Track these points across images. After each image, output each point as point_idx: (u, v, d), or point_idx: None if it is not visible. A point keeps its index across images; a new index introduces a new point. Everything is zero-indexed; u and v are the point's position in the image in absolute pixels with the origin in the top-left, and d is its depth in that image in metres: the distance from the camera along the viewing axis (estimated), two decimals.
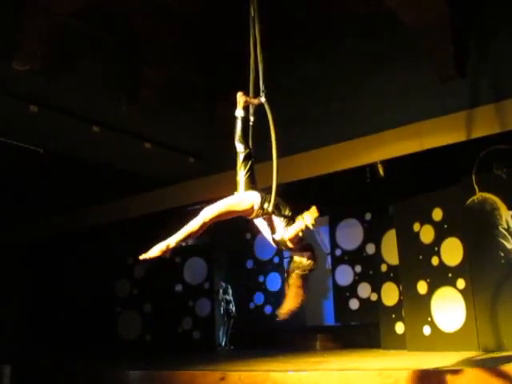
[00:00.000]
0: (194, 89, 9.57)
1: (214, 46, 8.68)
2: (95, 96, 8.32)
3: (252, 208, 4.06)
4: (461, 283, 7.88)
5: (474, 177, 7.87)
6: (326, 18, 8.43)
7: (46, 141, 9.10)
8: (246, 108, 4.43)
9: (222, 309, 12.54)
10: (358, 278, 10.87)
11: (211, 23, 8.37)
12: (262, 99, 4.53)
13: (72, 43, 7.74)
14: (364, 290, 10.71)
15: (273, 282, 12.21)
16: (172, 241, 3.93)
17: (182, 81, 9.22)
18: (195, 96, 9.58)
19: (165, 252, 3.94)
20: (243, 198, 4.13)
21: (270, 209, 4.03)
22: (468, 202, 7.90)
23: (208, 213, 3.99)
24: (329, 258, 11.78)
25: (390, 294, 9.37)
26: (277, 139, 4.20)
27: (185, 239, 4.01)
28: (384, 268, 9.57)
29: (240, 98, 4.44)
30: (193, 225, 3.95)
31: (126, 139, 9.14)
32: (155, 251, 3.95)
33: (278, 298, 12.00)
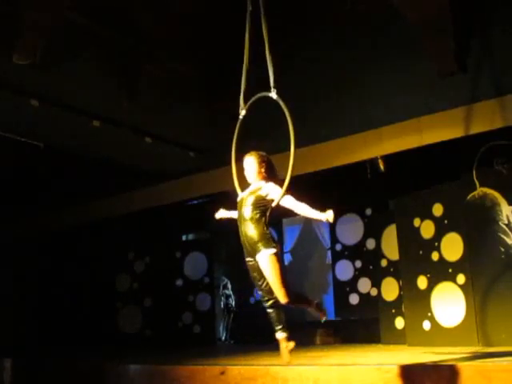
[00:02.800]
0: (195, 83, 9.57)
1: (215, 41, 8.66)
2: (96, 90, 8.31)
3: None
4: (461, 278, 7.89)
5: (474, 172, 7.86)
6: (325, 14, 8.42)
7: (46, 135, 9.09)
8: None
9: (222, 303, 12.57)
10: (358, 273, 10.87)
11: (212, 18, 8.35)
12: (274, 95, 4.81)
13: (72, 37, 7.73)
14: (364, 285, 10.71)
15: None
16: None
17: (183, 75, 9.21)
18: (195, 91, 9.58)
19: None
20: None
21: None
22: (468, 197, 7.90)
23: None
24: (329, 253, 11.79)
25: (390, 289, 9.38)
26: (295, 133, 4.53)
27: None
28: (384, 263, 9.58)
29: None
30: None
31: (127, 134, 9.13)
32: None
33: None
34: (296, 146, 4.56)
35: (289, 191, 4.57)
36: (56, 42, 7.29)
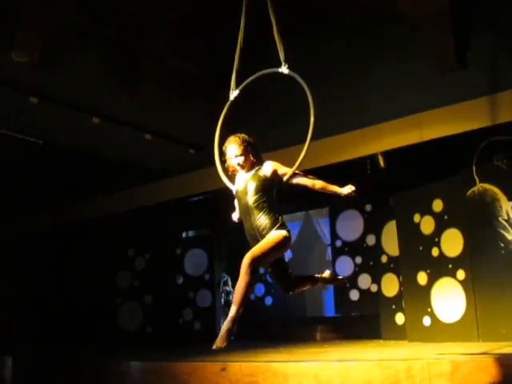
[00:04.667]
0: (195, 80, 9.55)
1: (215, 38, 8.64)
2: (95, 87, 8.29)
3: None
4: (461, 274, 7.90)
5: (474, 168, 7.86)
6: (324, 8, 8.40)
7: (45, 133, 9.09)
8: None
9: (222, 300, 12.58)
10: (359, 269, 10.89)
11: (211, 13, 8.34)
12: (286, 70, 4.44)
13: (72, 35, 7.70)
14: (364, 281, 10.72)
15: None
16: None
17: (182, 71, 9.19)
18: (195, 87, 9.56)
19: None
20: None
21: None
22: (468, 193, 7.90)
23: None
24: (329, 249, 11.81)
25: (390, 285, 9.40)
26: (314, 104, 4.35)
27: None
28: (384, 259, 9.60)
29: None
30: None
31: (126, 131, 9.13)
32: None
33: (278, 289, 12.02)
34: (316, 116, 4.32)
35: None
36: (56, 39, 7.27)
